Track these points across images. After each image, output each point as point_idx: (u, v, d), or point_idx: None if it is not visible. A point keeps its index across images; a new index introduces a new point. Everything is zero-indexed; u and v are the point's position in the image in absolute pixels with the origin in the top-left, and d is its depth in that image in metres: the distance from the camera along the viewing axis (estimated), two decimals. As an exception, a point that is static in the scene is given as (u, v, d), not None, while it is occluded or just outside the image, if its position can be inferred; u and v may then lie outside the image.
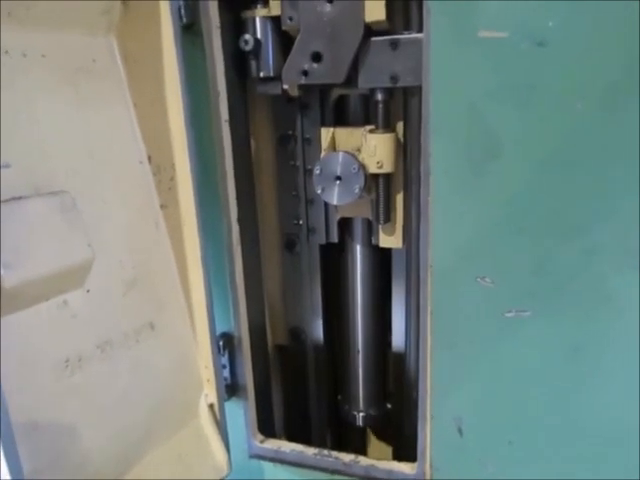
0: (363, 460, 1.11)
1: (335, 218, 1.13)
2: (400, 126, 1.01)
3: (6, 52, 0.70)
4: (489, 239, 0.85)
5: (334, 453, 1.13)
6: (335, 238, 1.15)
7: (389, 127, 1.00)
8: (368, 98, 1.03)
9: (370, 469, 1.09)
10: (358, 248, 1.17)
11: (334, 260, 1.22)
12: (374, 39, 0.92)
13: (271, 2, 0.96)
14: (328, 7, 0.90)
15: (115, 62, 0.86)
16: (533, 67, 0.75)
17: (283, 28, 0.96)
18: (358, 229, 1.16)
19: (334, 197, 1.01)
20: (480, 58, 0.77)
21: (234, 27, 1.00)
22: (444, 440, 0.98)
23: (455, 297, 0.89)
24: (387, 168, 1.00)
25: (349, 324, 1.23)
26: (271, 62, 1.00)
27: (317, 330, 1.24)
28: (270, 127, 1.13)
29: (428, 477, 1.02)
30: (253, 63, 1.01)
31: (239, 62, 1.01)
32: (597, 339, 0.85)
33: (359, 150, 1.02)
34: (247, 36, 0.97)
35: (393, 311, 1.20)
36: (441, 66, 0.80)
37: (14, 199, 0.69)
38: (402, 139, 1.01)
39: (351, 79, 0.95)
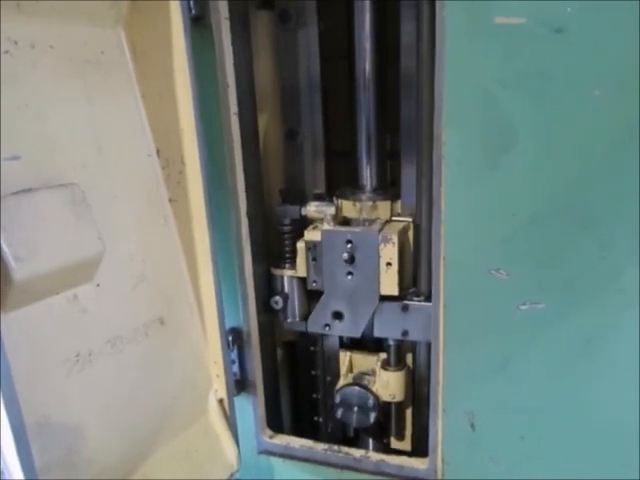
0: (373, 455, 1.11)
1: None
2: (409, 356, 1.18)
3: (15, 43, 0.69)
4: (503, 231, 0.84)
5: (344, 449, 1.13)
6: (351, 433, 1.30)
7: (400, 363, 1.16)
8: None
9: (381, 464, 1.09)
10: (371, 442, 1.29)
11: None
12: (387, 303, 1.06)
13: (298, 266, 1.10)
14: (349, 278, 1.04)
15: (124, 54, 0.85)
16: (550, 54, 0.74)
17: (308, 288, 1.11)
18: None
19: (352, 422, 1.17)
20: (496, 45, 0.76)
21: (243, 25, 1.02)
22: (456, 435, 0.98)
23: (468, 290, 0.88)
24: (398, 398, 1.17)
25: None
26: (297, 311, 1.16)
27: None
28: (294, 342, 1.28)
29: (439, 472, 1.01)
30: (281, 314, 1.16)
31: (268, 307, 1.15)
32: (611, 332, 0.84)
33: (373, 371, 1.19)
34: (277, 298, 1.13)
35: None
36: (456, 53, 0.79)
37: (24, 191, 0.68)
38: (411, 365, 1.18)
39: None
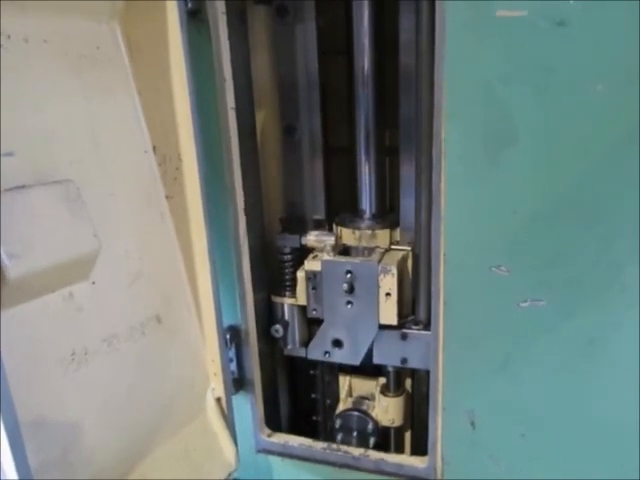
0: (373, 454, 1.10)
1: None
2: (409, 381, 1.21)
3: (8, 37, 0.68)
4: (504, 227, 0.83)
5: (343, 447, 1.12)
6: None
7: (400, 389, 1.19)
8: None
9: (380, 463, 1.08)
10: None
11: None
12: (387, 331, 1.07)
13: (298, 294, 1.12)
14: (348, 307, 1.06)
15: (119, 49, 0.84)
16: (552, 48, 0.73)
17: (308, 316, 1.13)
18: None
19: (353, 444, 1.19)
20: (497, 39, 0.75)
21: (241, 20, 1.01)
22: (456, 433, 0.97)
23: (469, 287, 0.88)
24: (397, 423, 1.20)
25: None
26: (297, 339, 1.18)
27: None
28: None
29: (439, 471, 1.01)
30: (281, 340, 1.18)
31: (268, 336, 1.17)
32: (612, 330, 0.84)
33: (373, 395, 1.23)
34: (277, 326, 1.15)
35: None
36: (456, 47, 0.78)
37: (18, 188, 0.67)
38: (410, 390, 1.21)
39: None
